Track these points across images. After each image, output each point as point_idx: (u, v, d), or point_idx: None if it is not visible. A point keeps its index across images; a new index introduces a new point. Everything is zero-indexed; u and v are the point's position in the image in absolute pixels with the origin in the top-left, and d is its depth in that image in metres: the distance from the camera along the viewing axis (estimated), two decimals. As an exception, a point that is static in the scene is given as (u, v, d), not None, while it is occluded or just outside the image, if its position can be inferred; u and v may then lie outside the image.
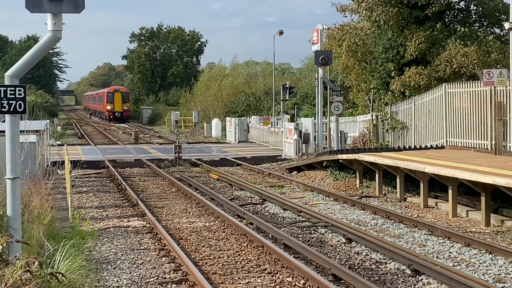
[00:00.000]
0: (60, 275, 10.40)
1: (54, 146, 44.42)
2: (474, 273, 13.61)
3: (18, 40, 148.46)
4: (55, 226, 16.82)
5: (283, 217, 20.68)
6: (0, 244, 10.11)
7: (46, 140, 34.48)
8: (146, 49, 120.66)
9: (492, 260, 14.76)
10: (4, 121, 11.55)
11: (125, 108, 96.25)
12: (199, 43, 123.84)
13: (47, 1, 10.48)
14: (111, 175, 32.05)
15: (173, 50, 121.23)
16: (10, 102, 10.89)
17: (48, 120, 50.62)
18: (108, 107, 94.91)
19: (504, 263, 14.45)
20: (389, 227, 18.87)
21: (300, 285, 12.83)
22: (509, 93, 24.29)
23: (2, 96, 10.86)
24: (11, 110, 10.90)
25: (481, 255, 15.20)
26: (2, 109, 10.91)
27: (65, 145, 47.61)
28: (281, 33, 64.78)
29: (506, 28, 34.27)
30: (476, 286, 12.03)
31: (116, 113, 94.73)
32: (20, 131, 12.12)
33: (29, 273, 9.46)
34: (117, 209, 22.39)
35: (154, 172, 33.41)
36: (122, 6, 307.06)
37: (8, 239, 10.38)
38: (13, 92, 10.92)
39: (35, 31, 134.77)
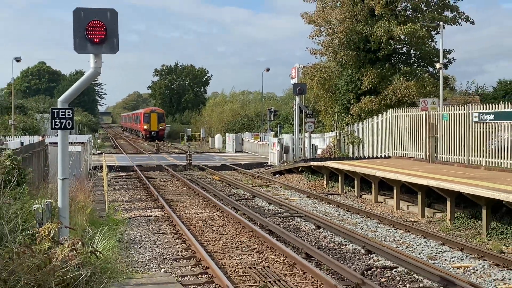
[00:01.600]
0: (98, 253, 10.43)
1: (95, 154, 44.28)
2: (412, 252, 13.77)
3: (68, 73, 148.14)
4: (95, 215, 16.84)
5: (268, 209, 20.74)
6: (52, 229, 10.12)
7: (89, 150, 34.48)
8: (165, 81, 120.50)
9: (426, 242, 14.88)
10: (57, 135, 11.54)
11: (160, 127, 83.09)
12: (206, 77, 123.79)
13: (90, 44, 10.52)
14: (138, 177, 32.03)
15: (186, 82, 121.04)
16: (61, 121, 10.91)
17: (91, 135, 50.65)
18: (145, 127, 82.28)
19: (435, 245, 14.60)
20: (348, 217, 18.94)
21: (281, 261, 12.92)
22: (439, 117, 24.43)
23: (55, 116, 10.88)
24: (62, 127, 10.92)
25: (418, 239, 15.32)
26: (55, 126, 10.93)
27: (103, 153, 47.50)
28: (268, 70, 66.09)
29: (437, 67, 34.57)
30: (414, 262, 12.14)
31: (152, 132, 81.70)
32: (69, 142, 12.14)
33: (74, 251, 9.46)
34: (142, 203, 22.43)
35: (171, 175, 33.39)
36: (147, 48, 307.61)
37: (59, 225, 10.40)
38: (63, 113, 10.94)
39: (82, 67, 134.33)
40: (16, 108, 62.94)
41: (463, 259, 13.12)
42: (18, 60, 54.94)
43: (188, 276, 11.64)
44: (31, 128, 56.03)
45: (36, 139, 36.92)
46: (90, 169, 30.92)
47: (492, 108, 21.49)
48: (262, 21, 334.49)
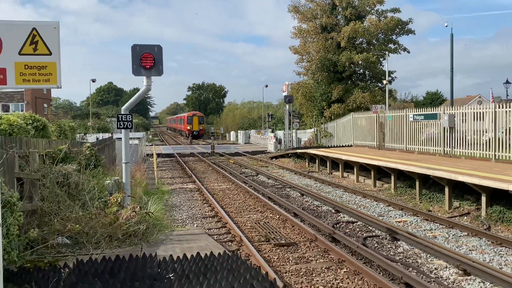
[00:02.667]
0: (151, 213, 10.45)
1: (147, 146, 44.28)
2: (368, 211, 13.67)
3: (128, 89, 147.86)
4: (148, 187, 16.87)
5: (268, 182, 20.68)
6: (119, 198, 10.14)
7: (143, 143, 34.47)
8: (195, 95, 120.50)
9: (377, 204, 14.81)
10: (121, 133, 11.55)
11: (200, 128, 73.33)
12: (223, 91, 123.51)
13: (143, 70, 10.51)
14: (178, 161, 31.95)
15: (210, 95, 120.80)
16: (124, 123, 10.91)
17: (144, 132, 50.63)
18: (188, 127, 72.81)
19: (383, 206, 14.51)
20: (323, 187, 18.89)
21: (276, 218, 12.86)
22: (386, 118, 24.35)
23: (120, 119, 10.89)
24: (125, 127, 10.93)
25: (371, 202, 15.25)
26: (120, 127, 10.93)
27: (153, 145, 47.51)
28: (266, 86, 68.48)
29: (384, 83, 34.38)
30: (368, 218, 12.09)
31: (194, 132, 72.24)
32: (130, 138, 12.13)
33: (134, 212, 9.48)
34: (180, 179, 22.36)
35: (200, 159, 33.30)
36: (183, 71, 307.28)
37: (123, 194, 10.42)
38: (126, 118, 10.95)
39: (137, 85, 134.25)
40: (93, 114, 63.01)
41: (402, 216, 13.09)
42: (93, 81, 55.08)
43: (213, 229, 11.64)
44: (103, 128, 56.06)
45: (107, 135, 36.92)
46: (144, 156, 30.96)
47: (422, 111, 21.45)
48: (263, 53, 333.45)
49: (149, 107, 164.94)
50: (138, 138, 29.80)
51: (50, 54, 3.65)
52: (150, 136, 74.31)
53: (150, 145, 47.50)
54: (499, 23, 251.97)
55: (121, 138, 12.46)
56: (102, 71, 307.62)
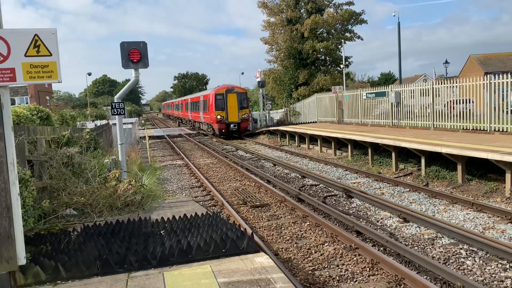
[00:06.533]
0: (145, 185, 10.67)
1: (140, 129, 43.99)
2: (328, 175, 14.03)
3: (121, 81, 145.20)
4: (142, 165, 16.90)
5: (245, 156, 20.89)
6: (117, 173, 10.33)
7: (136, 127, 34.31)
8: (181, 83, 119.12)
9: (337, 169, 15.20)
10: (116, 118, 11.66)
11: (243, 116, 30.19)
12: (206, 79, 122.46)
13: (131, 63, 10.59)
14: (168, 142, 31.92)
15: (194, 83, 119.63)
16: (118, 109, 11.02)
17: (137, 118, 50.19)
18: (218, 117, 29.64)
19: (342, 171, 14.87)
20: (292, 158, 19.22)
21: (253, 185, 13.16)
22: (344, 97, 24.76)
23: (114, 107, 10.99)
24: (118, 113, 11.04)
25: (332, 168, 15.63)
26: (114, 113, 11.05)
27: (146, 128, 47.24)
28: (242, 73, 66.56)
29: (342, 67, 34.77)
30: (329, 181, 12.47)
31: (232, 125, 29.85)
32: (124, 123, 12.25)
33: (130, 185, 9.70)
34: (170, 156, 22.42)
35: (187, 139, 33.22)
36: (171, 63, 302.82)
37: (120, 171, 10.61)
38: (119, 105, 11.04)
39: (129, 77, 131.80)
40: (90, 104, 62.07)
41: (357, 178, 13.54)
42: (89, 74, 54.30)
43: (199, 196, 11.89)
44: (100, 115, 55.38)
45: (104, 122, 36.59)
46: (138, 138, 30.87)
47: (373, 90, 21.91)
48: (241, 43, 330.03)
49: (140, 95, 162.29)
50: (132, 123, 29.62)
51: (51, 55, 3.87)
52: (143, 121, 73.41)
53: (142, 129, 47.17)
54: (446, 10, 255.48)
55: (115, 124, 12.55)
56: (97, 64, 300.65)
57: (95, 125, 29.09)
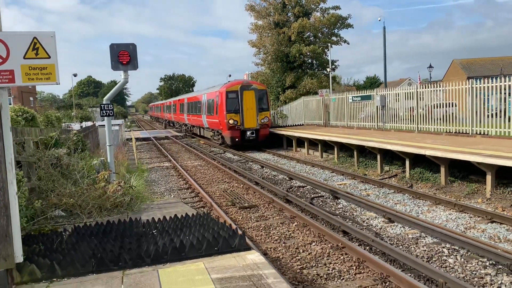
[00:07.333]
0: (133, 187, 10.73)
1: (127, 131, 43.74)
2: (315, 177, 14.25)
3: (106, 82, 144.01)
4: (130, 166, 16.95)
5: (233, 158, 21.03)
6: (106, 175, 10.37)
7: (123, 128, 34.16)
8: (167, 85, 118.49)
9: (323, 171, 15.44)
10: (103, 120, 11.67)
11: (263, 120, 22.67)
12: (192, 81, 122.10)
13: (121, 65, 10.63)
14: (155, 144, 31.89)
15: (180, 85, 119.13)
16: (107, 111, 11.07)
17: (123, 119, 49.88)
18: (231, 121, 22.05)
19: (328, 172, 15.13)
20: (280, 160, 19.42)
21: (241, 187, 13.31)
22: (330, 100, 25.06)
23: (103, 108, 11.03)
24: (107, 115, 11.09)
25: (319, 170, 15.87)
26: (103, 114, 11.09)
27: (131, 130, 46.97)
28: (230, 75, 64.38)
29: (328, 71, 35.14)
30: (316, 182, 12.68)
31: (249, 133, 22.34)
32: (112, 124, 12.28)
33: (119, 186, 9.76)
34: (157, 158, 22.44)
35: (174, 142, 33.26)
36: (157, 64, 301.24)
37: (109, 172, 10.65)
38: (108, 107, 11.09)
39: (115, 78, 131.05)
40: (76, 105, 61.48)
41: (343, 180, 13.80)
42: (75, 75, 53.81)
43: (187, 198, 12.00)
44: (86, 117, 54.87)
45: (89, 123, 36.35)
46: (124, 140, 30.76)
47: (359, 93, 22.24)
48: (229, 45, 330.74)
49: (126, 97, 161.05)
50: (118, 124, 29.54)
51: (49, 57, 3.97)
52: (129, 123, 72.95)
53: (129, 131, 46.94)
54: (431, 15, 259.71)
55: (103, 125, 12.60)
56: (82, 65, 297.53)
57: (81, 126, 28.93)
